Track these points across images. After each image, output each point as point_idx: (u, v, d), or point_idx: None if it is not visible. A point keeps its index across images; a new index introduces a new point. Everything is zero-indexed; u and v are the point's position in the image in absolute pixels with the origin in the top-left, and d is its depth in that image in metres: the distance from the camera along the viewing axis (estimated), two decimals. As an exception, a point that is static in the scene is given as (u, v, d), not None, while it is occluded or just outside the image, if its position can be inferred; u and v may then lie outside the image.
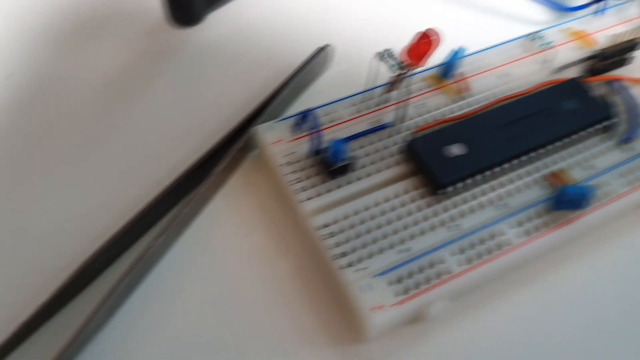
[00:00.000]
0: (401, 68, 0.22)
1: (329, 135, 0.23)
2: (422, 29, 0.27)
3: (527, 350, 0.21)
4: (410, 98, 0.24)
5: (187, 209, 0.22)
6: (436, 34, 0.21)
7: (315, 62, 0.26)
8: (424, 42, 0.21)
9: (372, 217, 0.21)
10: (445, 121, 0.23)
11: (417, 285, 0.19)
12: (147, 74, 0.28)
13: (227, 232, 0.23)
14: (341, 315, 0.20)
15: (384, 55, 0.22)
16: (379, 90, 0.24)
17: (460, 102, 0.24)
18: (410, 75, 0.22)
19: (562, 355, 0.20)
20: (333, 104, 0.24)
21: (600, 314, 0.21)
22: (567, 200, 0.21)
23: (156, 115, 0.26)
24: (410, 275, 0.20)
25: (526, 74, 0.26)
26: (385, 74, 0.23)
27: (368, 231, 0.21)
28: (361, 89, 0.24)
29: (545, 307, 0.21)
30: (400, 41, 0.22)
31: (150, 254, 0.21)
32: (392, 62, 0.22)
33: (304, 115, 0.23)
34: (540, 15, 0.30)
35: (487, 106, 0.24)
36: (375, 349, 0.20)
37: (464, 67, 0.25)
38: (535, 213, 0.21)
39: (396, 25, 0.29)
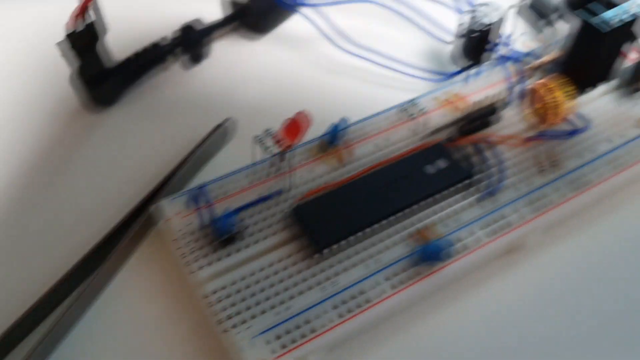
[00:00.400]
0: (280, 146, 0.25)
1: (224, 206, 0.26)
2: (313, 102, 0.31)
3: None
4: (295, 169, 0.26)
5: (92, 284, 0.24)
6: (305, 116, 0.24)
7: (215, 136, 0.29)
8: (295, 124, 0.24)
9: (257, 282, 0.24)
10: (327, 187, 0.26)
11: (293, 341, 0.22)
12: (64, 155, 0.30)
13: (131, 303, 0.25)
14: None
15: (264, 135, 0.25)
16: (269, 161, 0.27)
17: (343, 169, 0.27)
18: (292, 149, 0.25)
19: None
20: (228, 176, 0.27)
21: (468, 357, 0.24)
22: (428, 254, 0.24)
23: (70, 194, 0.28)
24: (287, 332, 0.22)
25: (403, 139, 0.29)
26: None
27: (252, 295, 0.23)
28: (257, 160, 0.27)
29: (417, 353, 0.24)
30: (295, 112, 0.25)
31: (57, 328, 0.23)
32: (270, 143, 0.25)
33: (197, 190, 0.25)
34: (420, 82, 0.33)
35: (365, 171, 0.27)
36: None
37: (349, 135, 0.29)
38: (402, 267, 0.24)
39: (293, 98, 0.33)
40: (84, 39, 0.28)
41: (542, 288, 0.26)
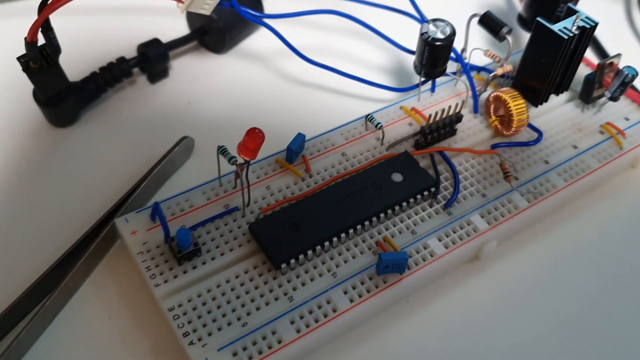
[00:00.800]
0: (235, 162, 0.25)
1: (183, 222, 0.26)
2: (276, 116, 0.31)
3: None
4: (251, 185, 0.27)
5: (51, 301, 0.24)
6: (257, 132, 0.24)
7: (174, 154, 0.29)
8: (251, 140, 0.24)
9: (213, 299, 0.23)
10: (285, 202, 0.26)
11: (250, 357, 0.22)
12: (26, 171, 0.30)
13: (93, 318, 0.25)
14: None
15: (222, 150, 0.25)
16: (227, 177, 0.27)
17: (302, 183, 0.28)
18: (248, 165, 0.25)
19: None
20: (188, 191, 0.27)
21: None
22: (384, 266, 0.24)
23: (32, 210, 0.28)
24: (244, 348, 0.22)
25: (363, 151, 0.29)
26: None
27: (209, 312, 0.23)
28: (219, 174, 0.27)
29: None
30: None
31: (17, 344, 0.23)
32: (229, 156, 0.25)
33: (154, 207, 0.25)
34: (384, 93, 0.34)
35: (324, 185, 0.27)
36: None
37: (310, 148, 0.29)
38: (360, 280, 0.24)
39: (256, 113, 0.33)
40: (35, 62, 0.27)
41: (500, 297, 0.26)
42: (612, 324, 0.26)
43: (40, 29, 0.26)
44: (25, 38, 0.26)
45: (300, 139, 0.28)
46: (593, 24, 0.28)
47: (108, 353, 0.24)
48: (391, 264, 0.24)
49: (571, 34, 0.27)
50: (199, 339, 0.22)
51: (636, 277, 0.27)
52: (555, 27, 0.28)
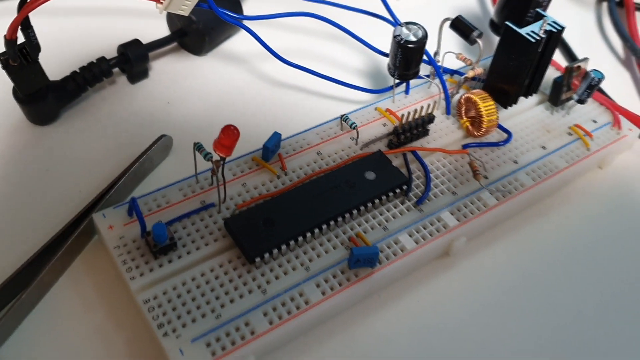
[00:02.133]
0: (211, 158, 0.25)
1: (159, 218, 0.26)
2: (253, 116, 0.31)
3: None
4: (227, 182, 0.27)
5: (26, 295, 0.24)
6: (232, 129, 0.24)
7: (153, 151, 0.30)
8: (226, 137, 0.24)
9: (188, 291, 0.24)
10: (260, 198, 0.27)
11: (223, 348, 0.22)
12: (6, 166, 0.30)
13: (69, 313, 0.25)
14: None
15: (198, 147, 0.26)
16: (204, 174, 0.28)
17: (277, 180, 0.28)
18: (224, 162, 0.26)
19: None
20: (164, 188, 0.27)
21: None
22: (356, 260, 0.25)
23: (11, 205, 0.28)
24: (218, 339, 0.23)
25: (338, 151, 0.30)
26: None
27: (183, 304, 0.24)
28: (196, 172, 0.28)
29: (352, 355, 0.25)
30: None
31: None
32: (205, 152, 0.25)
33: (131, 202, 0.26)
34: (359, 95, 0.35)
35: (299, 182, 0.28)
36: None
37: (284, 148, 0.29)
38: (333, 274, 0.25)
39: (234, 113, 0.33)
40: (15, 60, 0.28)
41: (469, 292, 0.27)
42: (579, 321, 0.27)
43: (19, 27, 0.27)
44: (4, 36, 0.27)
45: (276, 137, 0.29)
46: (560, 28, 0.29)
47: (83, 347, 0.24)
48: (362, 258, 0.25)
49: (538, 38, 0.28)
50: (174, 331, 0.23)
51: (602, 274, 0.28)
52: (523, 31, 0.29)
